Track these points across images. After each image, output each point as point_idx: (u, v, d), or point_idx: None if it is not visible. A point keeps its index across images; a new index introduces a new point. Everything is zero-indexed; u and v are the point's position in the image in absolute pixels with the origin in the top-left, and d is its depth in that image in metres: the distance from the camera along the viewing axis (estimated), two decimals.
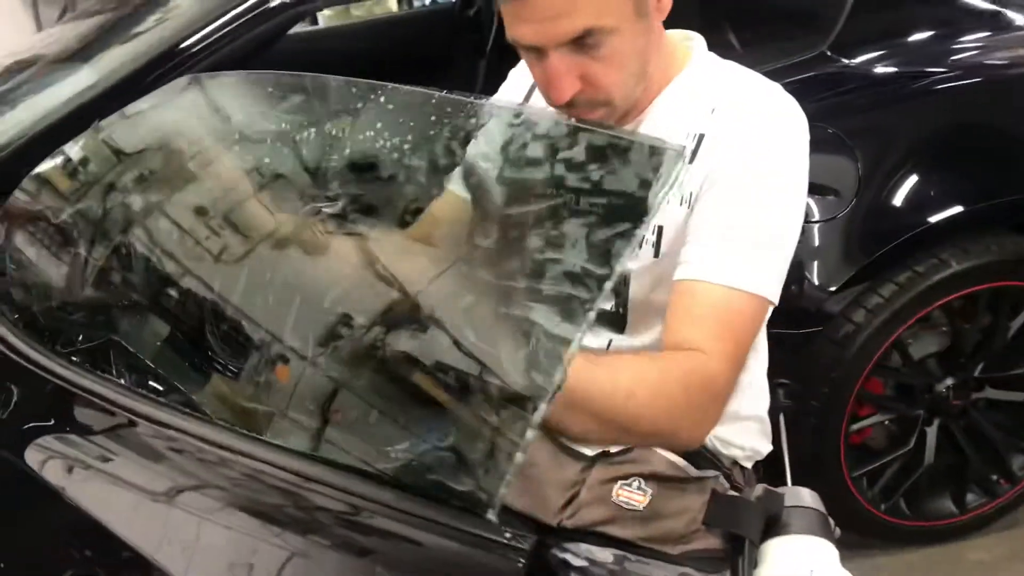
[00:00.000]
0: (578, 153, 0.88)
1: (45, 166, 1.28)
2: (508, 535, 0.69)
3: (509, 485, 0.65)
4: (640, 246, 1.11)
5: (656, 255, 1.11)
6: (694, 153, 1.08)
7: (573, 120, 0.96)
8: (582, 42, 0.99)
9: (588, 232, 0.74)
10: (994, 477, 2.09)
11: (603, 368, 0.90)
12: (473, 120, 0.99)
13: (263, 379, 1.02)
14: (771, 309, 1.07)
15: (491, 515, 0.65)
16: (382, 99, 1.11)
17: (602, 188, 0.79)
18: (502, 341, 0.74)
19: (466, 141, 1.02)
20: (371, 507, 0.74)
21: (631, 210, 0.74)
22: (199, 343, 1.11)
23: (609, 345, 1.20)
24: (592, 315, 0.67)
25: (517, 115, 1.00)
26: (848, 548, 2.04)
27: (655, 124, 1.13)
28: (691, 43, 1.18)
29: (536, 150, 0.98)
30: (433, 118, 1.03)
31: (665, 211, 1.09)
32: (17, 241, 1.30)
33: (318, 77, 1.19)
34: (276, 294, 1.10)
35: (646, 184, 0.74)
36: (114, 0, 2.39)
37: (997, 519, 2.14)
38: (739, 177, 1.04)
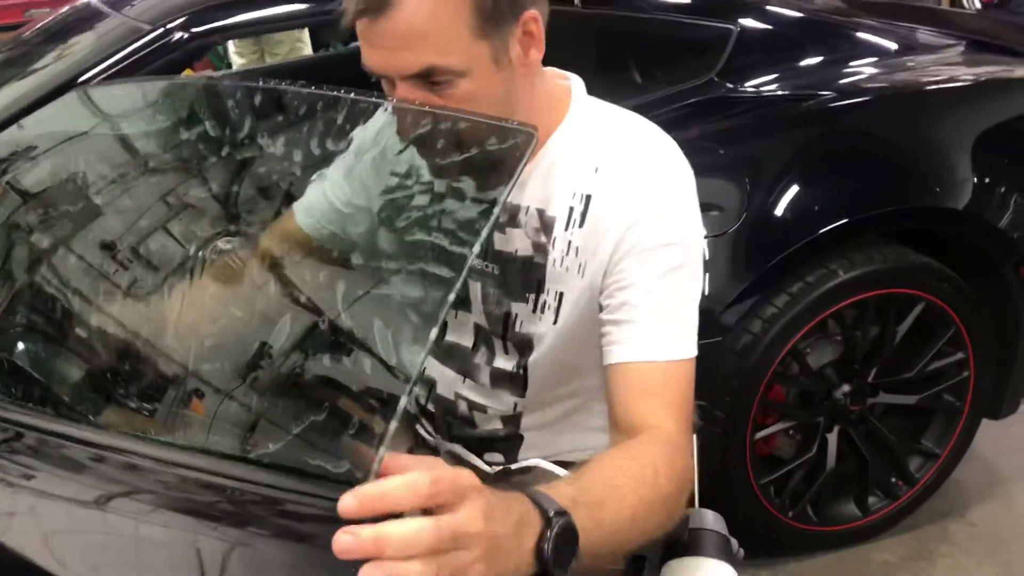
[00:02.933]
0: (438, 140, 0.91)
1: None
2: None
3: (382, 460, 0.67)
4: (542, 312, 1.13)
5: (555, 322, 1.13)
6: (583, 215, 1.08)
7: (429, 107, 0.95)
8: (429, 79, 0.97)
9: (450, 215, 0.78)
10: (893, 480, 2.18)
11: (608, 508, 0.85)
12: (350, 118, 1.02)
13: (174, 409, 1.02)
14: None
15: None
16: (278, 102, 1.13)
17: (461, 171, 0.83)
18: (375, 325, 0.77)
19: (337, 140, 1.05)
20: (252, 489, 0.76)
21: (489, 191, 0.78)
22: (103, 373, 1.10)
23: (515, 408, 1.22)
24: (452, 297, 0.70)
25: (384, 108, 1.03)
26: (762, 556, 2.13)
27: (540, 186, 1.10)
28: (568, 84, 1.15)
29: (398, 140, 1.01)
30: (320, 119, 1.06)
31: (564, 279, 1.10)
32: None
33: (211, 83, 1.20)
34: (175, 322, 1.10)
35: (502, 164, 0.78)
36: (12, 41, 2.38)
37: (900, 520, 2.22)
38: (646, 249, 1.05)
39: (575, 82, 1.15)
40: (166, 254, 1.16)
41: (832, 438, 2.10)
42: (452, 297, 0.68)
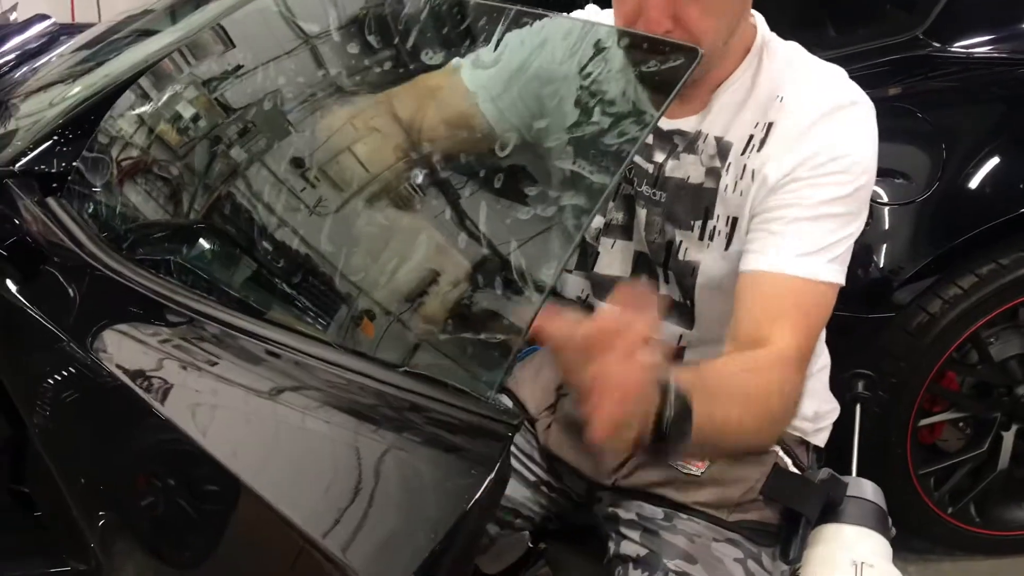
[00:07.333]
0: (602, 55, 0.89)
1: (130, 95, 1.35)
2: (500, 408, 0.76)
3: (509, 371, 0.69)
4: (711, 238, 1.11)
5: (727, 248, 1.11)
6: (763, 141, 1.07)
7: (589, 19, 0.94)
8: None
9: (604, 132, 0.77)
10: None
11: (719, 405, 0.86)
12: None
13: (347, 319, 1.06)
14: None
15: (489, 396, 0.72)
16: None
17: (621, 88, 0.80)
18: (511, 241, 0.77)
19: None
20: (409, 398, 0.83)
21: (641, 113, 0.75)
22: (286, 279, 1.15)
23: (679, 340, 1.19)
24: (595, 214, 0.70)
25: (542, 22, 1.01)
26: (912, 551, 2.01)
27: (722, 114, 1.11)
28: (754, 20, 1.14)
29: (558, 55, 0.98)
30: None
31: (737, 204, 1.09)
32: (105, 167, 1.38)
33: None
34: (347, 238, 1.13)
35: (663, 82, 0.75)
36: None
37: None
38: (818, 175, 1.04)
39: (759, 18, 1.15)
40: (349, 176, 1.19)
41: (1008, 437, 1.94)
42: (594, 214, 0.67)
